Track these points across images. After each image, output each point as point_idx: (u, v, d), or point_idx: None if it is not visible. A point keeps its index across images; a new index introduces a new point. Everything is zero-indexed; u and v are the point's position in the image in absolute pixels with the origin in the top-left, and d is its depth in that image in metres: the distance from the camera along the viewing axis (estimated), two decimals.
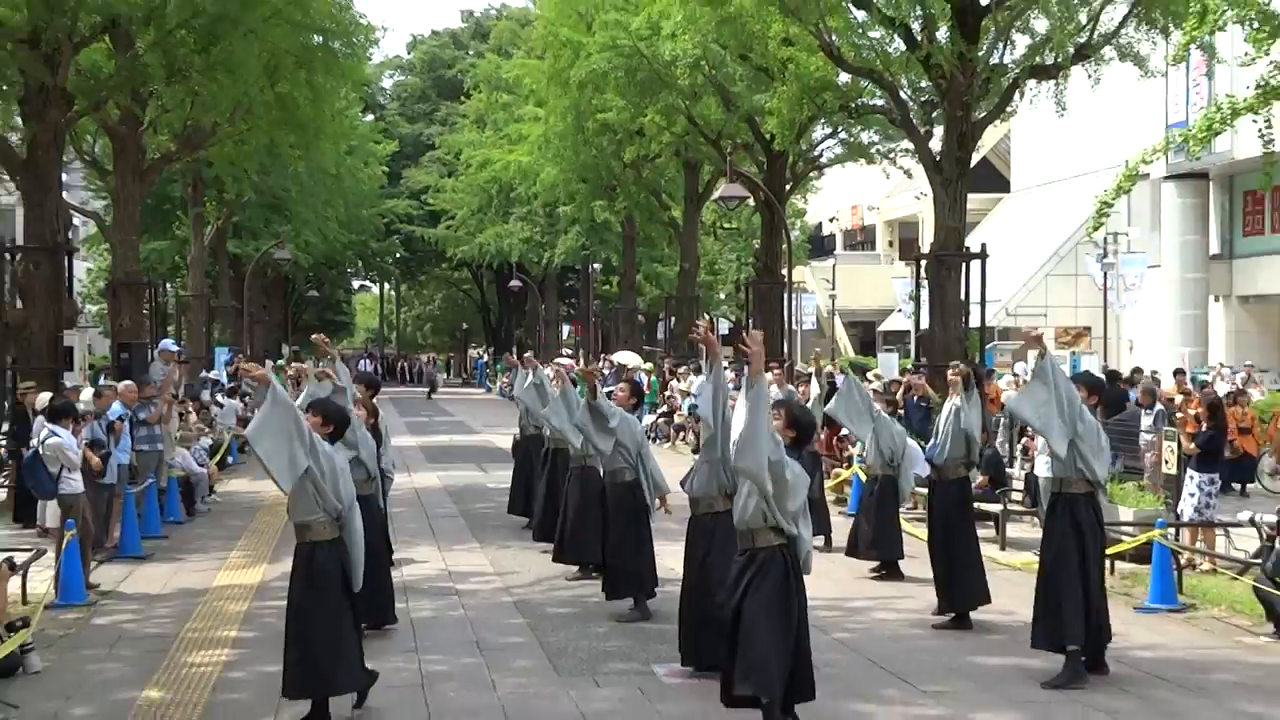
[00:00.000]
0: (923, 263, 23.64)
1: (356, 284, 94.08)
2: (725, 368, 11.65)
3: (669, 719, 9.32)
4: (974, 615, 12.61)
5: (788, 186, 36.58)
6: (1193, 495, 15.82)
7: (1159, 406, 19.55)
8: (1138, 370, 26.21)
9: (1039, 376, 10.97)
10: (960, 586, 12.52)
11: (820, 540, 15.38)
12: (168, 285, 44.08)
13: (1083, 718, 9.44)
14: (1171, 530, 14.62)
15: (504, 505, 20.21)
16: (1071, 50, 21.98)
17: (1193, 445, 16.31)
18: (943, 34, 22.03)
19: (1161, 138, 19.64)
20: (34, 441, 14.54)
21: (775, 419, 8.70)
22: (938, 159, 22.75)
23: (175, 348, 25.22)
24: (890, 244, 66.41)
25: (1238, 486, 21.27)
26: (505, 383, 58.43)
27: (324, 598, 8.95)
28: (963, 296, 22.49)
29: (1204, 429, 16.56)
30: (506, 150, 49.06)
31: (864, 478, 16.57)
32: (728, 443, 9.13)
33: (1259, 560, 13.05)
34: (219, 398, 29.89)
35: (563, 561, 14.59)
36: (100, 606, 13.39)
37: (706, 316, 54.35)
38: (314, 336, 14.09)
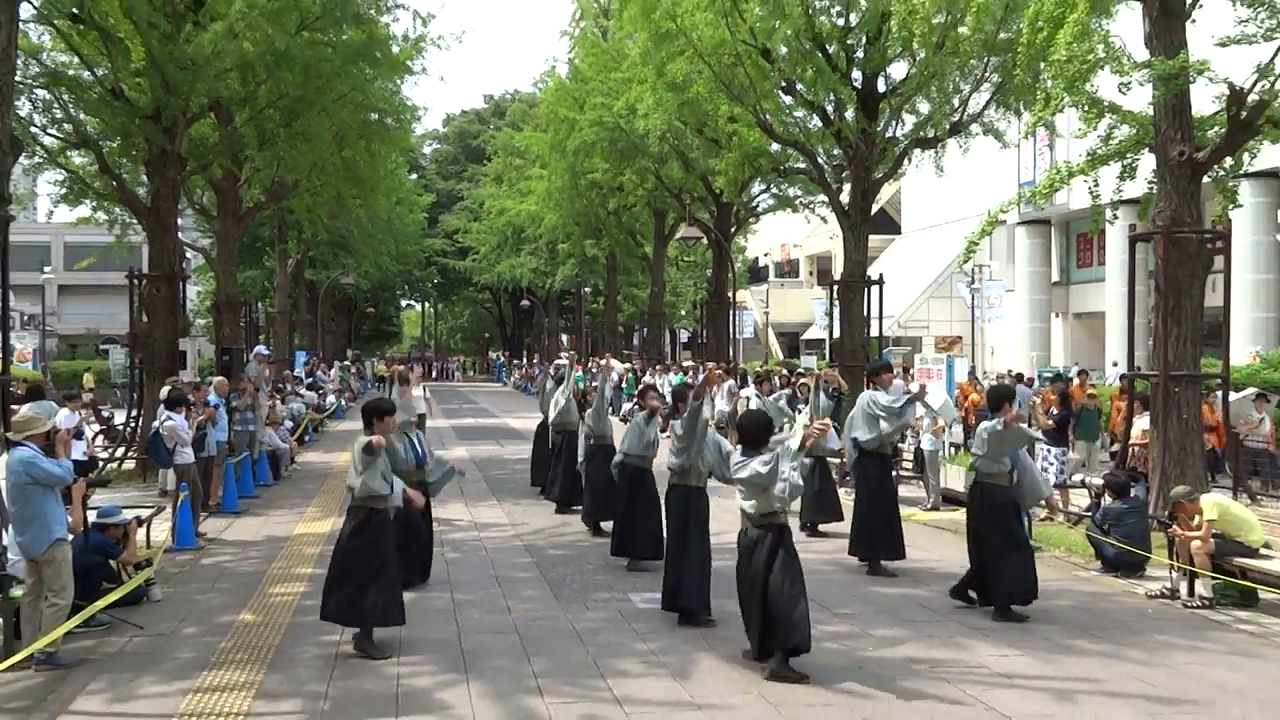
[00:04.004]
0: (835, 287, 23.72)
1: (404, 303, 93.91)
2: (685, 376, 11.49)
3: (642, 634, 9.31)
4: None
5: (732, 229, 36.65)
6: (1051, 465, 15.85)
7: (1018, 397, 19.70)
8: (1019, 376, 26.42)
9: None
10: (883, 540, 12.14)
11: None
12: (259, 304, 43.87)
13: (954, 633, 9.46)
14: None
15: (518, 472, 20.17)
16: (947, 126, 22.08)
17: (1050, 423, 16.37)
18: (850, 114, 22.10)
19: (1015, 193, 19.68)
20: (155, 424, 14.48)
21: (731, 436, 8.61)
22: (846, 209, 22.82)
23: (266, 352, 25.14)
24: (810, 273, 66.61)
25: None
26: (520, 377, 58.54)
27: (375, 546, 8.85)
28: (865, 313, 22.60)
29: (1056, 412, 16.64)
30: (518, 201, 48.95)
31: None
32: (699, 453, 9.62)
33: (1090, 514, 13.13)
34: (299, 390, 29.80)
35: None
36: (207, 550, 13.34)
37: (670, 331, 54.44)
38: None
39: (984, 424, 10.50)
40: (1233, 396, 17.19)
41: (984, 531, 10.22)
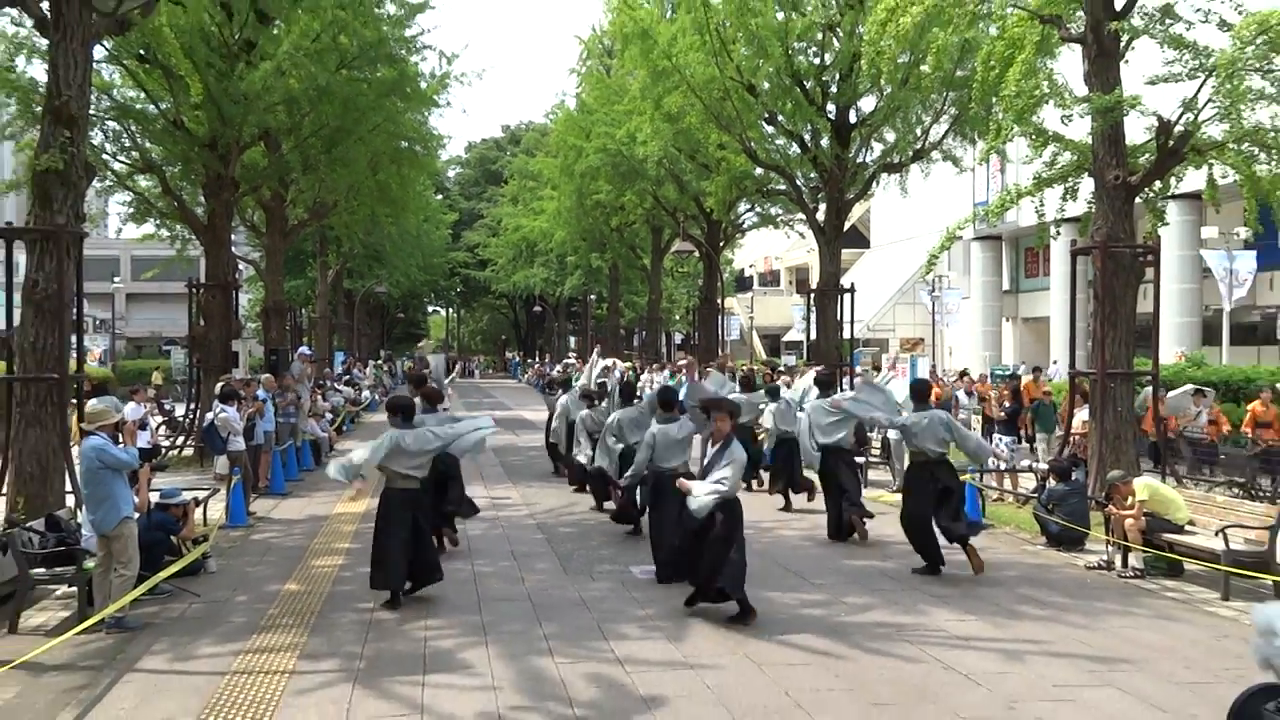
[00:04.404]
0: (812, 295, 23.71)
1: (430, 308, 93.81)
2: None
3: (640, 602, 9.31)
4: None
5: (721, 243, 36.63)
6: (1002, 452, 15.86)
7: (976, 391, 19.73)
8: (965, 372, 26.34)
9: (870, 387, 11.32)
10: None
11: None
12: (302, 309, 43.85)
13: (917, 601, 9.47)
14: (977, 474, 14.65)
15: (531, 458, 20.19)
16: (911, 153, 22.11)
17: (1002, 414, 16.38)
18: (825, 142, 22.11)
19: (971, 212, 19.72)
20: (209, 415, 14.49)
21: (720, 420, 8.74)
22: (822, 226, 22.83)
23: (309, 352, 25.16)
24: (790, 282, 66.48)
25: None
26: (534, 375, 58.49)
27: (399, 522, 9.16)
28: (838, 318, 22.60)
29: (1009, 404, 16.65)
30: (531, 219, 48.89)
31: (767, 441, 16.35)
32: None
33: (1036, 494, 13.14)
34: (337, 385, 29.77)
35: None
36: (256, 528, 13.35)
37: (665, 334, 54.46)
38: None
39: (913, 416, 10.78)
40: (1173, 392, 17.19)
41: (929, 494, 10.44)
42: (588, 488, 15.07)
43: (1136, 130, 14.14)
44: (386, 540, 9.11)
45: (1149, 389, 15.54)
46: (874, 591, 9.81)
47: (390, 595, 9.11)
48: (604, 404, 14.36)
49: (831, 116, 22.03)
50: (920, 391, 10.99)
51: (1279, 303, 30.48)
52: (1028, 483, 15.43)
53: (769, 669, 7.42)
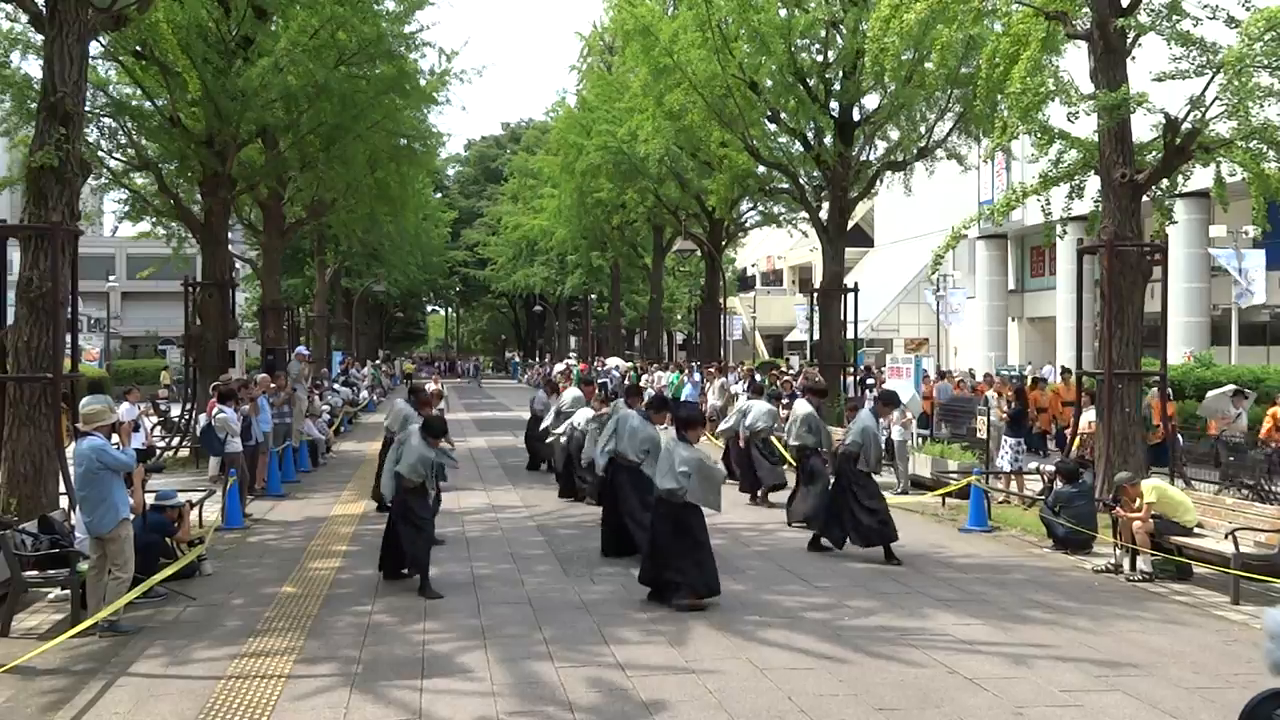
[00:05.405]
0: (815, 295, 23.70)
1: (429, 308, 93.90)
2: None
3: (641, 605, 9.28)
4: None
5: (723, 242, 36.65)
6: (1007, 453, 15.88)
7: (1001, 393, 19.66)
8: (946, 374, 26.29)
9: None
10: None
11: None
12: (300, 309, 43.85)
13: (921, 605, 9.44)
14: (982, 476, 14.63)
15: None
16: (915, 151, 22.10)
17: (1005, 416, 16.35)
18: (828, 140, 22.11)
19: (976, 210, 19.74)
20: (202, 416, 14.48)
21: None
22: (825, 224, 22.82)
23: (306, 352, 25.13)
24: (793, 282, 66.43)
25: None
26: (533, 375, 58.47)
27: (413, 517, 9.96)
28: (842, 318, 22.59)
29: (1013, 406, 16.62)
30: (532, 217, 48.92)
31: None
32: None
33: (1043, 497, 13.11)
34: (335, 386, 29.76)
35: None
36: (253, 529, 13.32)
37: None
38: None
39: (863, 422, 11.68)
40: (1213, 393, 17.05)
41: (848, 489, 11.49)
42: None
43: (1143, 128, 14.11)
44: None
45: (1153, 391, 15.49)
46: (878, 595, 9.78)
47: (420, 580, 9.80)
48: (618, 403, 14.39)
49: (835, 114, 22.04)
50: (887, 402, 12.19)
51: None
52: (1034, 485, 15.40)
53: (771, 673, 7.40)
